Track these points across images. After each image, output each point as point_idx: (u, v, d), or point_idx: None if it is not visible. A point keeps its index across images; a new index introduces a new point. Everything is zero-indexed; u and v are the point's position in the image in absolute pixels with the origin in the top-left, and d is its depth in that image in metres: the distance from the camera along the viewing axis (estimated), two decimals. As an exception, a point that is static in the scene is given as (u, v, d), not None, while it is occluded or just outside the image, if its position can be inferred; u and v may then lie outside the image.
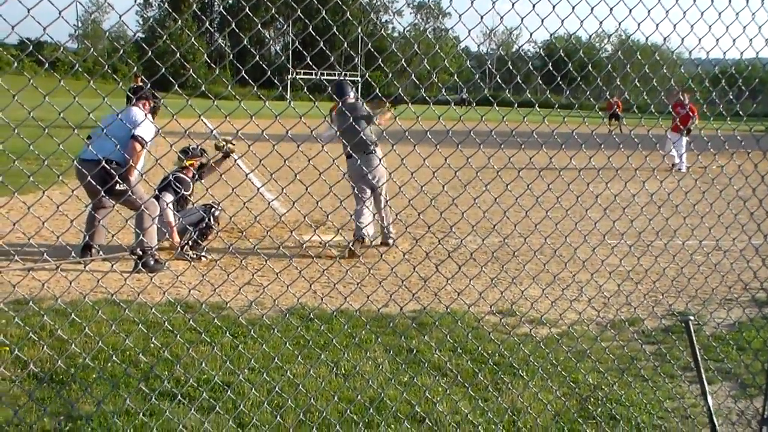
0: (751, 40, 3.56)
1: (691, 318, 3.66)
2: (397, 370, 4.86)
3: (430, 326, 5.57)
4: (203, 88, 3.05)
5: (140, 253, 7.27)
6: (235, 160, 8.43)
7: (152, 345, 4.76)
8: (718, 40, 3.48)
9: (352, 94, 9.27)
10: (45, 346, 4.40)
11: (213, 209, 8.36)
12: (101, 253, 7.44)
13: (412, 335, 5.47)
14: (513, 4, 3.18)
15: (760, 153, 3.84)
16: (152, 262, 7.43)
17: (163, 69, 2.85)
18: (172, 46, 2.87)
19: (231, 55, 3.22)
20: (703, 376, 3.61)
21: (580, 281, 6.60)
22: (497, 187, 3.80)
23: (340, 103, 9.00)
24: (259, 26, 3.28)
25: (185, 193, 8.26)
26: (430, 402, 4.37)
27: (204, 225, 8.28)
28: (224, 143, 8.53)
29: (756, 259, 4.37)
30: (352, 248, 8.59)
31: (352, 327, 5.28)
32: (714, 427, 3.60)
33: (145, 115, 7.25)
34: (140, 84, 7.73)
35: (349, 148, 8.55)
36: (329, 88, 9.75)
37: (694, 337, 3.58)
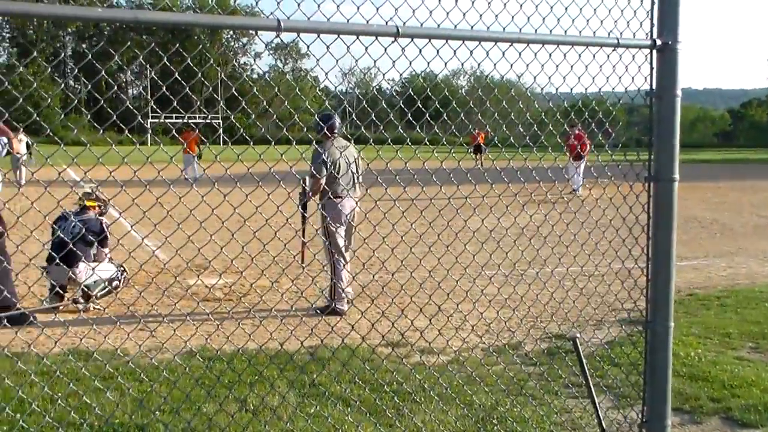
0: (593, 78, 4.04)
1: (578, 336, 4.09)
2: (302, 403, 5.08)
3: (327, 360, 5.83)
4: (49, 132, 3.12)
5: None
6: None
7: (58, 395, 4.78)
8: (564, 77, 3.96)
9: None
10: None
11: (123, 270, 8.28)
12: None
13: (311, 369, 5.71)
14: (366, 48, 3.55)
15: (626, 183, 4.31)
16: (18, 315, 7.30)
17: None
18: (15, 93, 2.90)
19: (80, 100, 3.30)
20: (592, 388, 4.01)
21: (463, 310, 7.04)
22: (385, 225, 4.16)
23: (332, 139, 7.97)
24: (118, 68, 3.42)
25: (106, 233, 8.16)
26: (338, 431, 4.62)
27: (112, 283, 8.20)
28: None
29: (617, 283, 4.87)
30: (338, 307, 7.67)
31: (256, 364, 5.47)
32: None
33: None
34: None
35: (343, 188, 7.72)
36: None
37: (582, 353, 3.98)
